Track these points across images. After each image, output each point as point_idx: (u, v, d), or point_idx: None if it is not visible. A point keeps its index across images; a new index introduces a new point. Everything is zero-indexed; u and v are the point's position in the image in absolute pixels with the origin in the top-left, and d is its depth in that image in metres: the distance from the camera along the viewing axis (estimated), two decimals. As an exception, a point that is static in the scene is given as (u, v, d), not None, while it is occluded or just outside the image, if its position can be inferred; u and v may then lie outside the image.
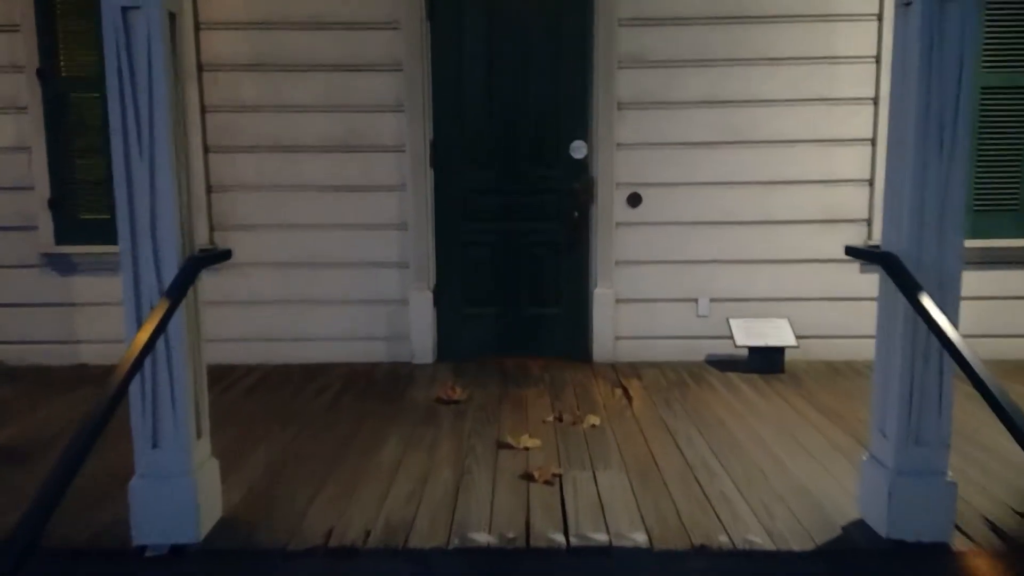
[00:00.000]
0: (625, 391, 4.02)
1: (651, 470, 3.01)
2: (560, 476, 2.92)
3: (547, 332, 4.61)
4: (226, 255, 2.58)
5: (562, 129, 4.43)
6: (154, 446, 2.41)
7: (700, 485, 2.87)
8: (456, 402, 3.82)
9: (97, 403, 1.79)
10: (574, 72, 4.38)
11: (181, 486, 2.41)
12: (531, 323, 4.60)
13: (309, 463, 3.10)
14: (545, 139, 4.46)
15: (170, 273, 2.33)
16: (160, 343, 2.34)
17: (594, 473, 2.97)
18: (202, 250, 2.58)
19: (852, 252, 2.57)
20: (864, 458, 2.61)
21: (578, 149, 4.35)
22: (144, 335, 2.02)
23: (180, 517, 2.41)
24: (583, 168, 4.42)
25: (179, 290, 2.21)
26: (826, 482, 2.90)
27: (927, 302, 2.18)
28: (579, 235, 4.46)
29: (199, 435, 2.51)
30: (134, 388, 2.37)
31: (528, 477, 2.91)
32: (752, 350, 4.36)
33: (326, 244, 4.54)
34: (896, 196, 2.41)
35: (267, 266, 4.55)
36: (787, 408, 3.75)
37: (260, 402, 3.94)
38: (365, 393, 4.05)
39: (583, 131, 4.42)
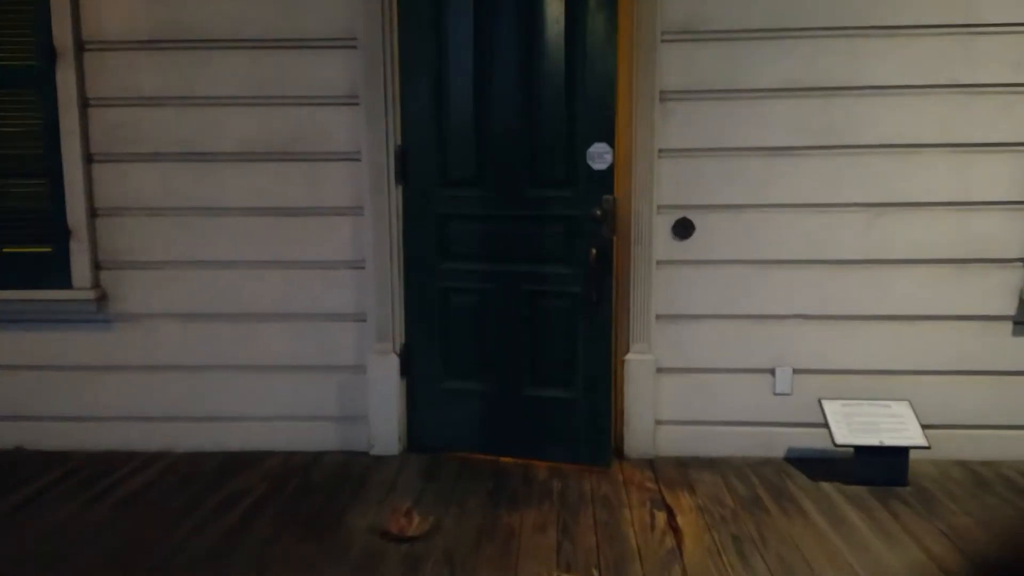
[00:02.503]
0: (671, 517, 2.67)
1: None
2: None
3: (558, 421, 3.19)
4: None
5: (578, 130, 3.04)
6: None
7: None
8: (411, 539, 2.52)
9: None
10: (596, 48, 3.00)
11: None
12: (536, 408, 3.21)
13: None
14: (555, 144, 3.08)
15: None
16: None
17: None
18: None
19: None
20: None
21: (599, 156, 2.99)
22: None
23: None
24: (605, 184, 3.05)
25: None
26: None
27: None
28: (599, 283, 3.07)
29: None
30: None
31: None
32: (860, 450, 2.98)
33: (255, 289, 3.29)
34: None
35: (174, 318, 3.31)
36: (928, 563, 2.37)
37: (130, 525, 2.68)
38: (289, 510, 2.77)
39: (607, 132, 3.03)
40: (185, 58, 3.18)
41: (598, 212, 3.00)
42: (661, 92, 3.10)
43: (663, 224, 3.17)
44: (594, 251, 3.01)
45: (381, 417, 3.29)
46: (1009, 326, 3.14)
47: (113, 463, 3.23)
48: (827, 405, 3.10)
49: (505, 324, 3.20)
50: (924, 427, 3.03)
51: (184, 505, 2.84)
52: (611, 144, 3.00)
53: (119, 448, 3.34)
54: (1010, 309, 3.13)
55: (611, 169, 3.01)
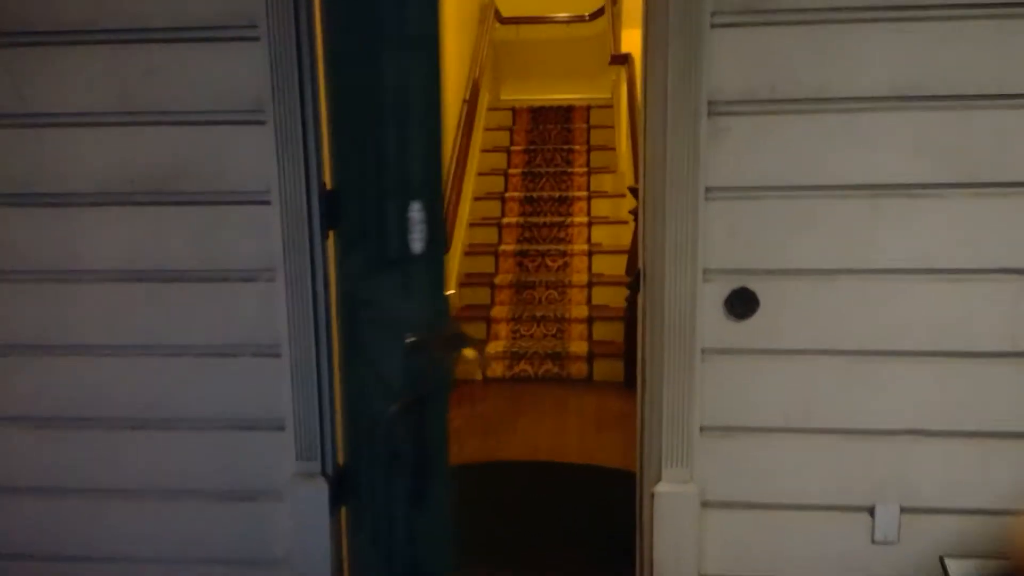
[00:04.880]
0: None
1: None
2: None
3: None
4: None
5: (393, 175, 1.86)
6: None
7: None
8: None
9: None
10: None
11: None
12: None
13: None
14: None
15: None
16: None
17: None
18: None
19: None
20: None
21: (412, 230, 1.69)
22: None
23: None
24: (434, 286, 1.84)
25: None
26: None
27: None
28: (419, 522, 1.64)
29: None
30: None
31: None
32: (1010, 650, 1.98)
33: (126, 384, 2.33)
34: None
35: (20, 423, 2.36)
36: None
37: None
38: None
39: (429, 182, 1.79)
40: (17, 59, 2.21)
41: (411, 341, 1.62)
42: (710, 102, 2.08)
43: (712, 297, 2.16)
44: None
45: (305, 563, 2.32)
46: None
47: (-63, 625, 2.32)
48: (954, 567, 2.09)
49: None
50: (1099, 598, 2.02)
51: None
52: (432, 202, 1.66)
53: (-49, 599, 2.43)
54: None
55: (432, 254, 1.70)
